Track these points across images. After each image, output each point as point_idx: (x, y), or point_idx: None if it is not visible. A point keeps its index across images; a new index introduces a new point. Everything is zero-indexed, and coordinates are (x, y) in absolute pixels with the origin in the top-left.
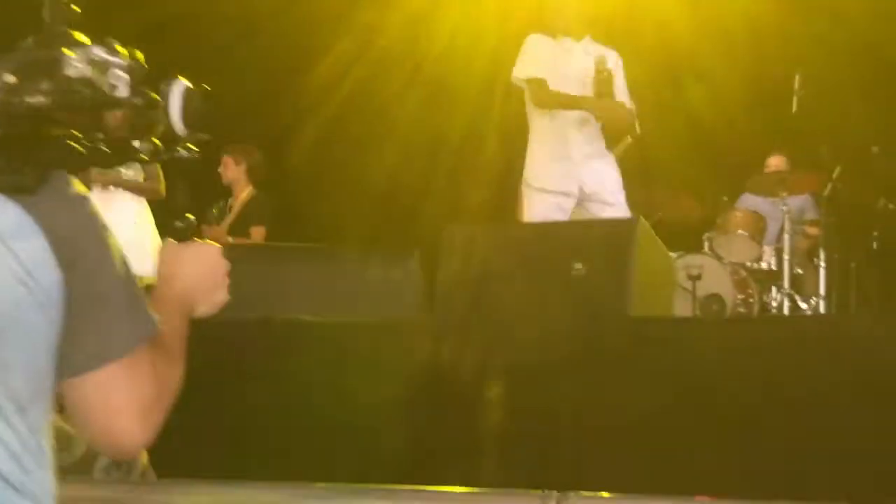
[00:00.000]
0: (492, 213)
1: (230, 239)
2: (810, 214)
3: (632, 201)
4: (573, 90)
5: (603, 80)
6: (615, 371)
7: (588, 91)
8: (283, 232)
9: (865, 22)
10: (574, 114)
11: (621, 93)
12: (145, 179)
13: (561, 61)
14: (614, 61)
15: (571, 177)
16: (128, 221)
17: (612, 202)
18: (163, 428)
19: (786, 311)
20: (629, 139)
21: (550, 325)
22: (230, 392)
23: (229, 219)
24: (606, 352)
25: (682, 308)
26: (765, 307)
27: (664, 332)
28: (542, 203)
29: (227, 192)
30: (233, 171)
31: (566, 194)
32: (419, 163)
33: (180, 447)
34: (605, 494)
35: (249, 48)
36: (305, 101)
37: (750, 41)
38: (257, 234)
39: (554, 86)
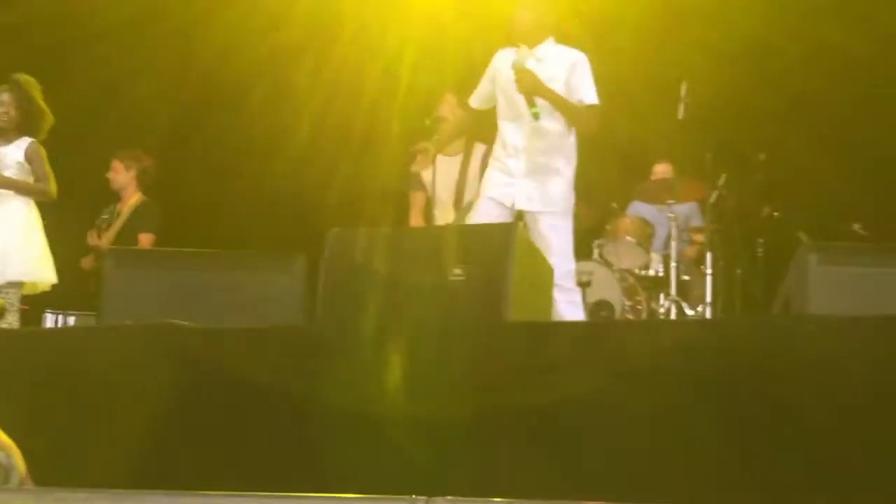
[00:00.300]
0: (389, 218)
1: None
2: (696, 221)
3: None
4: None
5: (521, 81)
6: (491, 376)
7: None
8: (173, 238)
9: (752, 30)
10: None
11: (580, 92)
12: (36, 181)
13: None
14: (570, 62)
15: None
16: (16, 224)
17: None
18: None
19: (673, 317)
20: None
21: (429, 331)
22: (105, 399)
23: (117, 224)
24: (484, 357)
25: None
26: (653, 313)
27: (541, 337)
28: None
29: (115, 197)
30: (122, 176)
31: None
32: (314, 167)
33: (55, 455)
34: (475, 499)
35: (138, 51)
36: (196, 104)
37: (637, 48)
38: (146, 241)
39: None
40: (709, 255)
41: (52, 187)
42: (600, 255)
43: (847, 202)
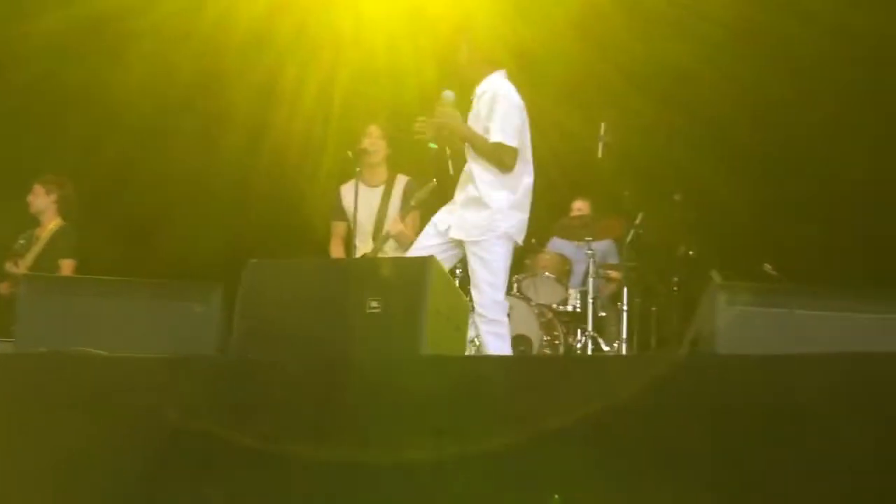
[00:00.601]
0: (315, 248)
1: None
2: (613, 259)
3: None
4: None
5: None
6: (407, 410)
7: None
8: (94, 266)
9: (670, 71)
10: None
11: (490, 131)
12: None
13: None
14: (479, 96)
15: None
16: None
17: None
18: None
19: (589, 352)
20: (434, 182)
21: (345, 363)
22: (15, 426)
23: (36, 249)
24: (399, 390)
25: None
26: (570, 348)
27: (456, 371)
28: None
29: (33, 222)
30: (42, 200)
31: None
32: (238, 196)
33: None
34: None
35: (61, 73)
36: (112, 126)
37: (557, 86)
38: (67, 266)
39: None
40: (625, 292)
41: None
42: (519, 290)
43: (759, 243)
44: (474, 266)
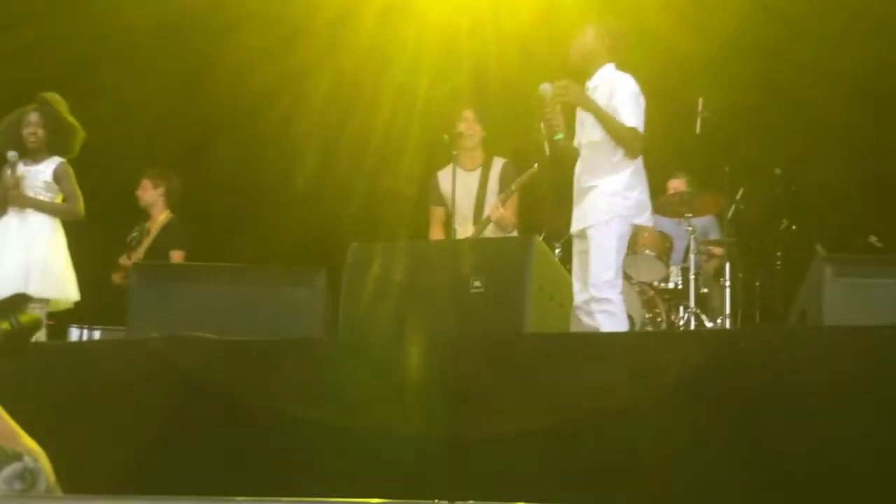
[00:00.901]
0: (409, 232)
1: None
2: (714, 235)
3: (542, 220)
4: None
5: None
6: (512, 387)
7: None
8: (195, 255)
9: (769, 44)
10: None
11: (619, 115)
12: (64, 200)
13: None
14: (609, 86)
15: None
16: (41, 242)
17: None
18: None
19: (692, 329)
20: (535, 167)
21: (449, 342)
22: (138, 410)
23: (147, 242)
24: (504, 368)
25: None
26: (672, 325)
27: (560, 349)
28: None
29: (144, 215)
30: (151, 194)
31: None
32: (332, 182)
33: (92, 462)
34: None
35: (156, 69)
36: (214, 120)
37: (654, 63)
38: (177, 257)
39: None
40: (727, 268)
41: (80, 207)
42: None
43: (863, 215)
44: (589, 249)
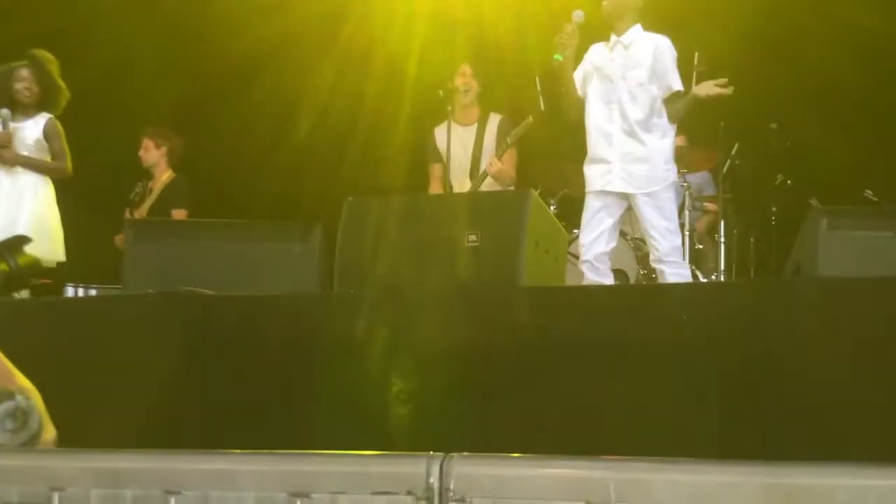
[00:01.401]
0: (407, 186)
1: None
2: (709, 191)
3: (537, 177)
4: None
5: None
6: (507, 340)
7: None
8: (196, 210)
9: (762, 2)
10: None
11: (668, 79)
12: (53, 158)
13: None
14: (653, 47)
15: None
16: (27, 200)
17: None
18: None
19: None
20: (530, 119)
21: (444, 295)
22: (138, 364)
23: (149, 201)
24: (499, 321)
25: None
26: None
27: (555, 302)
28: None
29: (145, 174)
30: (153, 154)
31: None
32: (331, 138)
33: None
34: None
35: (147, 28)
36: (208, 78)
37: (649, 20)
38: (179, 216)
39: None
40: (722, 224)
41: (68, 165)
42: None
43: (859, 169)
44: (650, 216)
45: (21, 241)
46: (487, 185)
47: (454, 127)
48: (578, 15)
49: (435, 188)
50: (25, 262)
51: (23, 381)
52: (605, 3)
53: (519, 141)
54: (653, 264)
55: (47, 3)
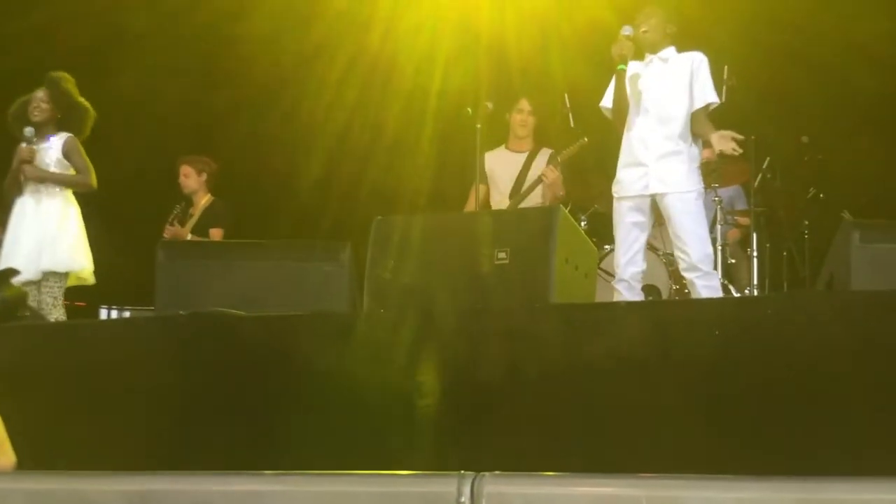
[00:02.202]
0: (432, 205)
1: (190, 237)
2: (741, 205)
3: (567, 193)
4: None
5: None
6: (538, 357)
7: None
8: (233, 235)
9: (794, 13)
10: None
11: (705, 94)
12: (77, 173)
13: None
14: (691, 63)
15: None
16: (51, 216)
17: None
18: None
19: None
20: (584, 139)
21: (475, 314)
22: (168, 385)
23: (190, 224)
24: (529, 339)
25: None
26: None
27: (586, 319)
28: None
29: (179, 196)
30: (194, 180)
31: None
32: (358, 157)
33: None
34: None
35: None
36: (233, 104)
37: (680, 32)
38: (216, 234)
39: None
40: (754, 238)
41: (92, 178)
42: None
43: (891, 182)
44: (682, 221)
45: (9, 273)
46: (528, 203)
47: (504, 152)
48: (628, 29)
49: (472, 207)
50: (12, 295)
51: None
52: (643, 28)
53: (571, 160)
54: (683, 274)
55: (66, 31)
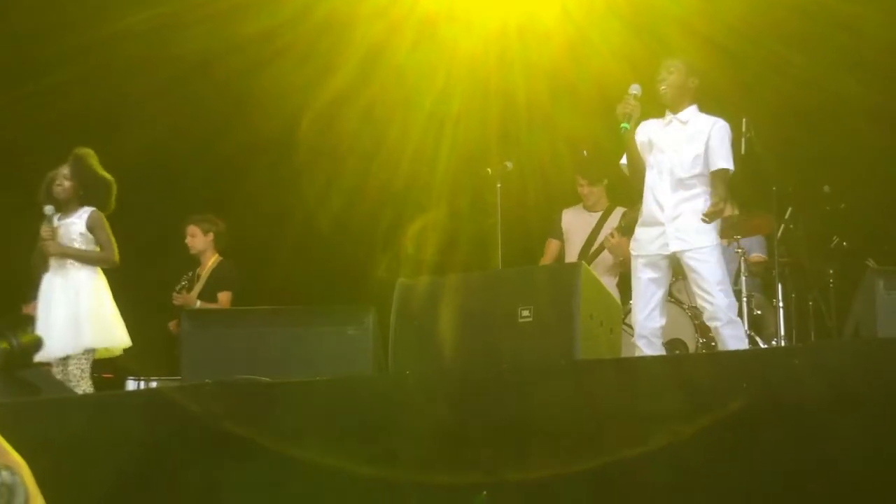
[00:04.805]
0: (450, 264)
1: (199, 303)
2: (758, 251)
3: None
4: None
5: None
6: (565, 414)
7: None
8: (248, 297)
9: (811, 64)
10: None
11: (716, 156)
12: (100, 249)
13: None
14: (710, 125)
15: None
16: (82, 293)
17: None
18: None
19: None
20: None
21: (501, 373)
22: (191, 456)
23: (198, 286)
24: (555, 396)
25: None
26: None
27: (612, 374)
28: None
29: (192, 261)
30: (200, 240)
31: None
32: (366, 215)
33: None
34: None
35: (182, 108)
36: (248, 157)
37: (703, 100)
38: (224, 298)
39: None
40: (780, 289)
41: (115, 254)
42: (671, 294)
43: None
44: (703, 272)
45: (24, 319)
46: (602, 268)
47: (581, 211)
48: (636, 88)
49: (547, 262)
50: (28, 341)
51: (12, 455)
52: (662, 86)
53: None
54: (708, 323)
55: (90, 82)
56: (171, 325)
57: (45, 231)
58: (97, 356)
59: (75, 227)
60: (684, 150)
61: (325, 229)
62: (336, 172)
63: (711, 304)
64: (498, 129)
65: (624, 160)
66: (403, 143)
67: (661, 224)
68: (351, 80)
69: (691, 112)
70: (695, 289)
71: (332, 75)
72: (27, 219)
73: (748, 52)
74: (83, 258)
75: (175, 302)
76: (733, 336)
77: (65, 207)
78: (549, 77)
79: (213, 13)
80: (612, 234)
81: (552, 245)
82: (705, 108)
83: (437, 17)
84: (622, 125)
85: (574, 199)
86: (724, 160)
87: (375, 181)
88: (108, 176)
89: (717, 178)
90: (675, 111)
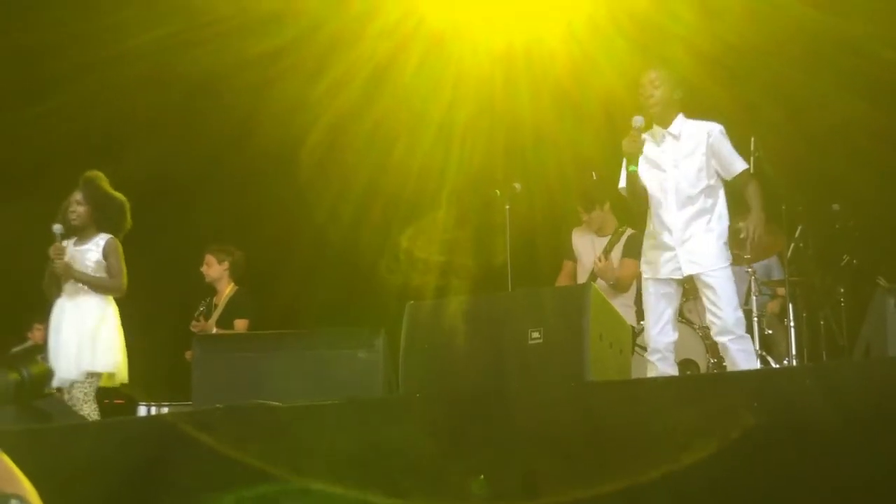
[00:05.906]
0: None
1: (215, 331)
2: (776, 275)
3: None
4: None
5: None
6: (576, 436)
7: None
8: (258, 317)
9: (817, 83)
10: None
11: (732, 164)
12: (111, 275)
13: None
14: (706, 134)
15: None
16: (88, 318)
17: None
18: None
19: None
20: (624, 228)
21: (511, 395)
22: (200, 482)
23: (215, 315)
24: (566, 418)
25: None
26: None
27: (623, 396)
28: None
29: (208, 289)
30: (216, 269)
31: None
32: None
33: None
34: None
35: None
36: (255, 177)
37: (706, 104)
38: (241, 325)
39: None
40: (790, 308)
41: (123, 282)
42: (682, 315)
43: None
44: (716, 288)
45: (35, 350)
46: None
47: (588, 234)
48: (638, 120)
49: (563, 283)
50: (38, 372)
51: (23, 483)
52: (650, 101)
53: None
54: (716, 338)
55: (90, 106)
56: (188, 354)
57: (52, 251)
58: (101, 384)
59: (91, 254)
60: (685, 166)
61: (336, 246)
62: (343, 191)
63: (720, 318)
64: (504, 149)
65: (623, 183)
66: (409, 163)
67: (672, 248)
68: (357, 99)
69: (679, 123)
70: (706, 303)
71: (338, 95)
72: (36, 238)
73: (754, 71)
74: (89, 283)
75: (193, 329)
76: (741, 350)
77: (81, 233)
78: (555, 97)
79: (219, 32)
80: (598, 259)
81: (567, 266)
82: (691, 114)
83: (443, 37)
84: (630, 168)
85: (579, 220)
86: (738, 163)
87: (382, 199)
88: (120, 196)
89: (743, 183)
90: (664, 126)
